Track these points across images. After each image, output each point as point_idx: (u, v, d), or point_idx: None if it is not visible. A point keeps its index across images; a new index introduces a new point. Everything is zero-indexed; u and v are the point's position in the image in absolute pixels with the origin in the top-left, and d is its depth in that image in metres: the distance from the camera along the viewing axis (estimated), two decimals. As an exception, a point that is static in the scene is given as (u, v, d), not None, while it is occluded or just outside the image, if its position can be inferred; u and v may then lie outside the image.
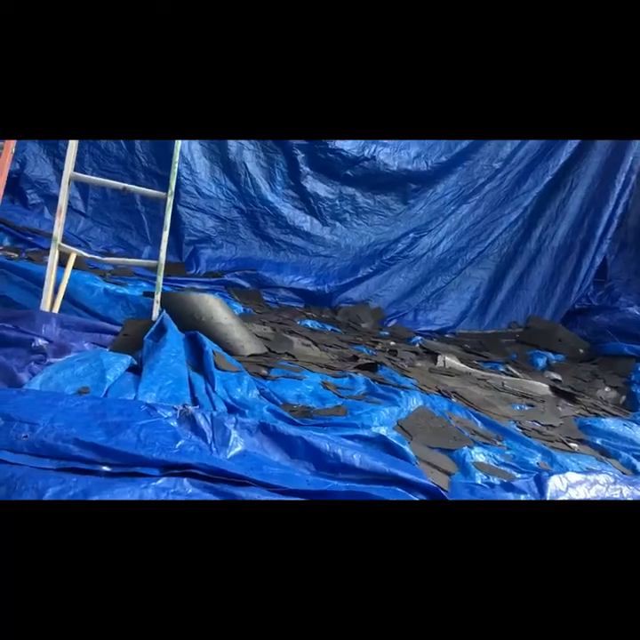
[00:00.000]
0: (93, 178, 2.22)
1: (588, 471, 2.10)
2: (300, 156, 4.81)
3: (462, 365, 3.95)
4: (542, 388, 3.83)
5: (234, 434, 1.53)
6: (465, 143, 5.29)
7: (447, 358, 3.95)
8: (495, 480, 1.94)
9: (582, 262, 5.50)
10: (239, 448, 1.50)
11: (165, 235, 2.33)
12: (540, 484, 1.91)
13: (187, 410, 1.54)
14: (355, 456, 1.57)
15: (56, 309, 2.20)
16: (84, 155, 4.28)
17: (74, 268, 2.40)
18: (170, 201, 2.33)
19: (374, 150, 5.00)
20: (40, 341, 1.98)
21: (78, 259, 2.95)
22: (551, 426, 2.99)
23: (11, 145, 2.04)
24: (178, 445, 1.36)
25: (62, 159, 3.65)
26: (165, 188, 2.25)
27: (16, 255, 2.70)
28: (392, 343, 4.22)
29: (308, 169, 4.88)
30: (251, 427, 1.57)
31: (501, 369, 4.29)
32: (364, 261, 5.10)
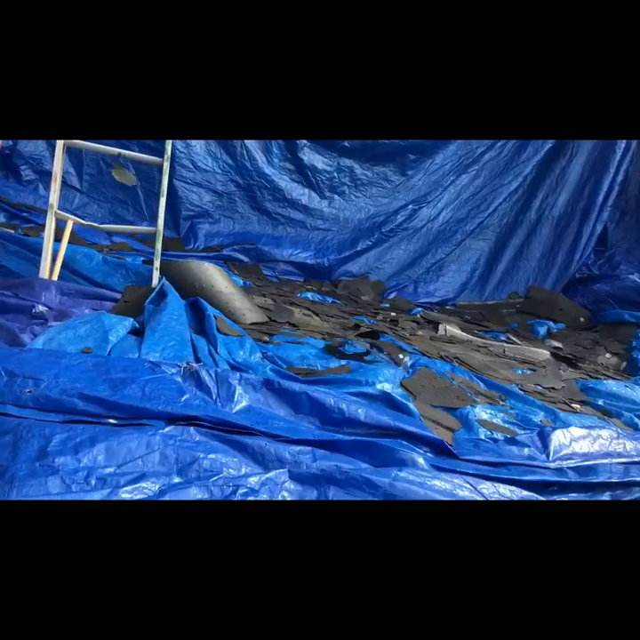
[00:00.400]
0: (88, 143, 2.18)
1: (592, 426, 2.11)
2: (297, 127, 4.73)
3: (463, 334, 3.95)
4: (543, 354, 3.83)
5: (238, 389, 1.53)
6: (463, 112, 5.21)
7: (448, 327, 3.95)
8: (499, 436, 1.95)
9: (583, 231, 5.46)
10: (244, 403, 1.49)
11: (162, 201, 2.30)
12: (544, 438, 1.92)
13: (191, 366, 1.54)
14: (359, 410, 1.57)
15: (55, 277, 2.18)
16: (77, 129, 4.22)
17: (71, 242, 2.38)
18: (166, 165, 2.30)
19: (371, 120, 4.92)
20: (40, 307, 1.97)
21: (75, 234, 2.93)
22: (553, 388, 3.00)
23: None
24: (183, 399, 1.35)
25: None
26: (160, 154, 2.23)
27: (12, 231, 2.67)
28: (393, 314, 4.21)
29: (304, 140, 4.81)
30: (255, 383, 1.57)
31: (502, 338, 4.29)
32: (364, 234, 5.07)
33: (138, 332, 1.83)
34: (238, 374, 1.57)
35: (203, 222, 4.62)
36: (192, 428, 1.20)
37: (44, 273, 2.16)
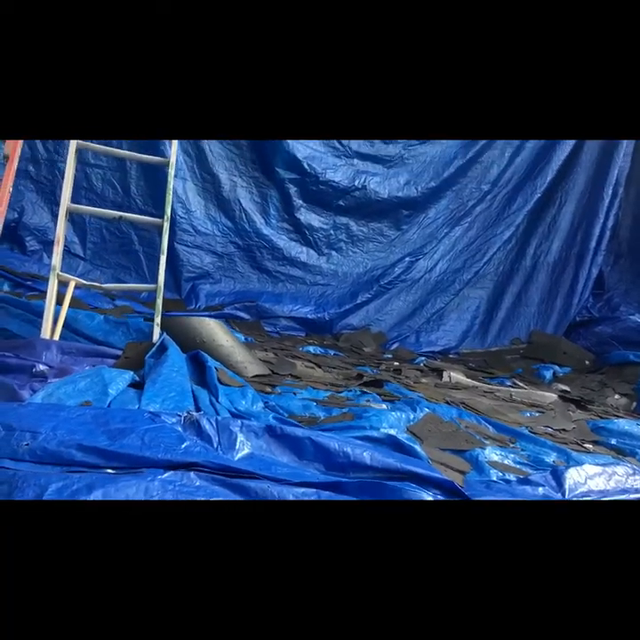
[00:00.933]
0: (90, 208, 2.27)
1: (606, 464, 2.05)
2: (293, 189, 4.92)
3: (468, 380, 3.91)
4: (551, 397, 3.78)
5: (240, 437, 1.50)
6: (452, 168, 5.42)
7: (452, 374, 3.92)
8: (511, 477, 1.89)
9: (579, 275, 5.53)
10: (246, 451, 1.46)
11: (163, 258, 2.35)
12: (558, 476, 1.86)
13: (191, 416, 1.52)
14: (365, 453, 1.53)
15: (56, 337, 2.20)
16: (80, 200, 4.37)
17: (74, 307, 2.41)
18: (166, 226, 2.37)
19: (364, 180, 5.12)
20: (41, 367, 1.96)
21: (77, 299, 2.98)
22: (564, 430, 2.94)
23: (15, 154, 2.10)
24: (183, 446, 1.33)
25: (59, 205, 3.74)
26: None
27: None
28: (396, 363, 4.20)
29: (300, 201, 4.98)
30: (257, 430, 1.54)
31: (508, 383, 4.25)
32: (363, 287, 5.13)
33: (138, 385, 1.82)
34: (240, 422, 1.55)
35: (204, 283, 4.70)
36: (192, 473, 1.17)
37: (45, 333, 2.18)
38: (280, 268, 4.96)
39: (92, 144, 2.34)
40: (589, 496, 1.77)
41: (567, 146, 5.54)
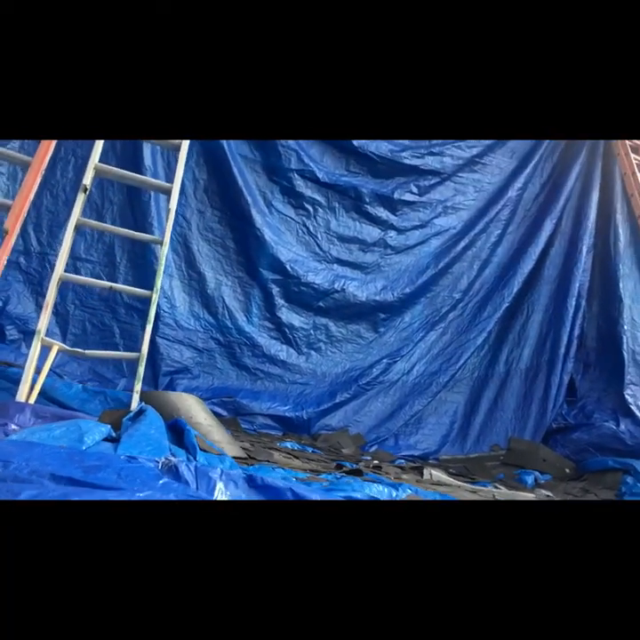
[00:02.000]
0: (82, 278, 2.36)
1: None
2: (275, 289, 5.12)
3: (450, 479, 3.82)
4: (535, 499, 3.70)
5: (219, 485, 1.44)
6: (425, 277, 5.75)
7: (433, 471, 3.83)
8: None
9: (551, 382, 5.67)
10: (225, 499, 1.40)
11: (149, 328, 2.40)
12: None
13: (169, 461, 1.47)
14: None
15: (31, 402, 2.14)
16: (67, 292, 4.48)
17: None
18: (155, 297, 2.44)
19: (343, 283, 5.38)
20: (13, 426, 1.90)
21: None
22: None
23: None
24: (160, 482, 1.27)
25: (45, 297, 3.82)
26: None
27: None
28: (375, 462, 4.09)
29: (282, 301, 5.16)
30: (236, 479, 1.49)
31: (490, 486, 4.16)
32: (341, 387, 5.15)
33: (114, 441, 1.76)
34: (219, 469, 1.49)
35: (182, 378, 4.67)
36: (171, 495, 1.11)
37: (21, 396, 2.13)
38: (259, 366, 4.99)
39: (90, 221, 2.48)
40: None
41: (530, 260, 5.97)
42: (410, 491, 2.39)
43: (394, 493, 2.23)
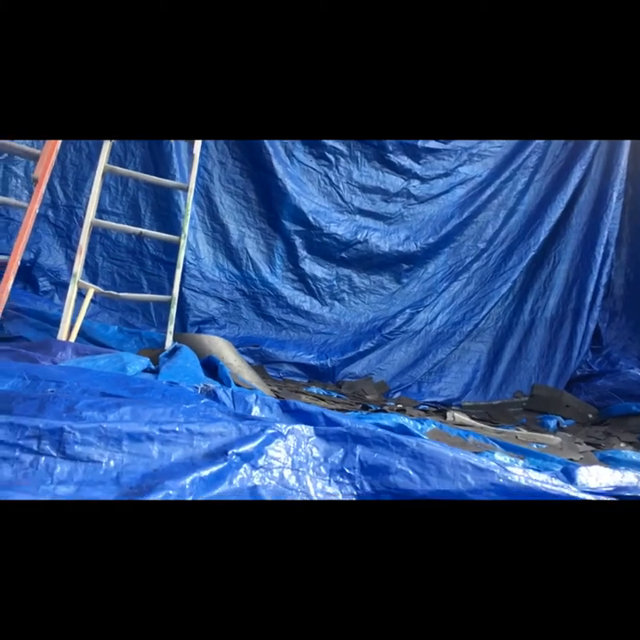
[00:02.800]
0: (112, 223, 2.41)
1: (616, 469, 2.03)
2: (298, 240, 5.13)
3: (473, 421, 3.90)
4: (556, 440, 3.76)
5: (255, 408, 1.52)
6: (449, 226, 5.68)
7: (456, 414, 3.91)
8: (523, 474, 1.88)
9: (577, 330, 5.64)
10: (261, 415, 1.48)
11: (178, 272, 2.46)
12: (569, 473, 1.85)
13: (207, 386, 1.55)
14: (378, 430, 1.54)
15: (72, 340, 2.25)
16: (95, 245, 4.56)
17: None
18: (183, 242, 2.50)
19: (366, 234, 5.35)
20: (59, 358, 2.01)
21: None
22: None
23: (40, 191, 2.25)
24: (202, 401, 1.35)
25: (74, 250, 3.90)
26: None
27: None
28: (399, 406, 4.19)
29: (305, 253, 5.18)
30: (271, 403, 1.57)
31: (513, 428, 4.22)
32: (365, 337, 5.21)
33: (154, 372, 1.86)
34: (254, 394, 1.57)
35: (209, 328, 4.78)
36: (214, 407, 1.19)
37: (61, 336, 2.23)
38: (284, 316, 5.07)
39: (118, 168, 2.51)
40: (600, 491, 1.75)
41: (558, 209, 5.84)
42: (434, 425, 2.47)
43: (419, 426, 2.31)
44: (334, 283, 5.31)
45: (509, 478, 1.05)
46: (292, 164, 5.23)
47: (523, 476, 1.11)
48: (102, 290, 2.53)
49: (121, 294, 2.61)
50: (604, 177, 5.94)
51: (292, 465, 0.96)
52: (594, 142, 5.85)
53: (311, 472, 0.98)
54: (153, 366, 1.88)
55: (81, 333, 2.35)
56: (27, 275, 4.38)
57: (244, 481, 0.90)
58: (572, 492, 1.16)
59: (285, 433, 1.02)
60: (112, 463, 0.85)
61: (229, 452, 0.93)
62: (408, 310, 5.45)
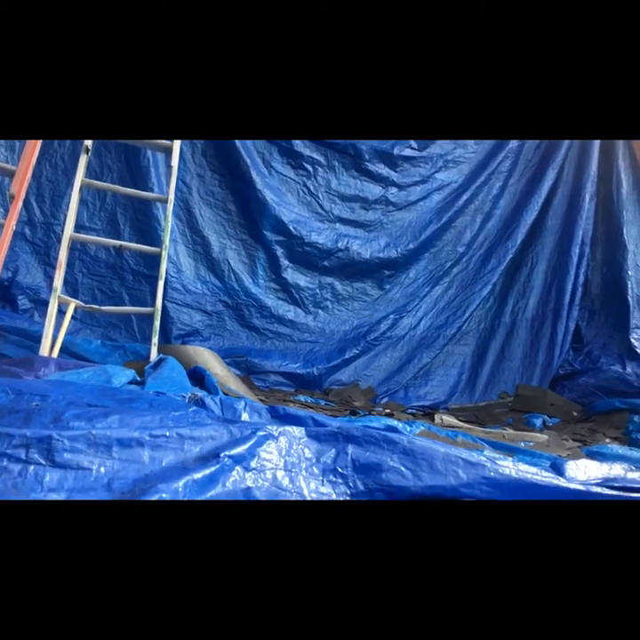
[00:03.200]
0: (91, 237, 2.39)
1: (604, 462, 2.06)
2: (279, 250, 5.14)
3: (461, 423, 3.92)
4: (543, 438, 3.80)
5: (244, 414, 1.51)
6: (428, 232, 5.75)
7: (444, 416, 3.93)
8: (512, 470, 1.89)
9: (557, 329, 5.73)
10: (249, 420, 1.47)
11: (161, 283, 2.45)
12: (557, 467, 1.87)
13: (195, 395, 1.54)
14: (369, 429, 1.55)
15: (54, 356, 2.22)
16: (74, 261, 4.51)
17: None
18: (164, 254, 2.49)
19: (347, 242, 5.39)
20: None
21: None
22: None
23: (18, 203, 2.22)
24: (191, 409, 1.34)
25: (53, 267, 3.86)
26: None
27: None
28: (387, 411, 4.20)
29: (287, 262, 5.19)
30: (260, 409, 1.56)
31: (499, 429, 4.26)
32: (350, 343, 5.23)
33: (140, 384, 1.84)
34: (243, 401, 1.57)
35: (193, 340, 4.74)
36: (204, 413, 1.18)
37: (44, 351, 2.20)
38: (268, 326, 5.06)
39: (96, 182, 2.50)
40: (589, 483, 1.77)
41: (533, 211, 5.94)
42: (423, 427, 2.48)
43: (408, 428, 2.32)
44: (317, 291, 5.32)
45: (500, 471, 1.06)
46: (270, 175, 5.26)
47: (513, 468, 1.12)
48: (83, 304, 2.50)
49: (103, 308, 2.58)
50: (577, 179, 6.08)
51: (284, 466, 0.96)
52: (565, 145, 5.99)
53: (304, 472, 0.98)
54: (138, 378, 1.86)
55: (63, 349, 2.32)
56: (5, 293, 4.32)
57: (237, 483, 0.89)
58: (562, 483, 1.17)
59: (277, 434, 1.02)
60: (102, 470, 0.84)
61: (221, 455, 0.92)
62: (391, 316, 5.48)
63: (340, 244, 5.34)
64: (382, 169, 5.61)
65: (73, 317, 4.62)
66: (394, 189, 5.72)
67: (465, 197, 5.86)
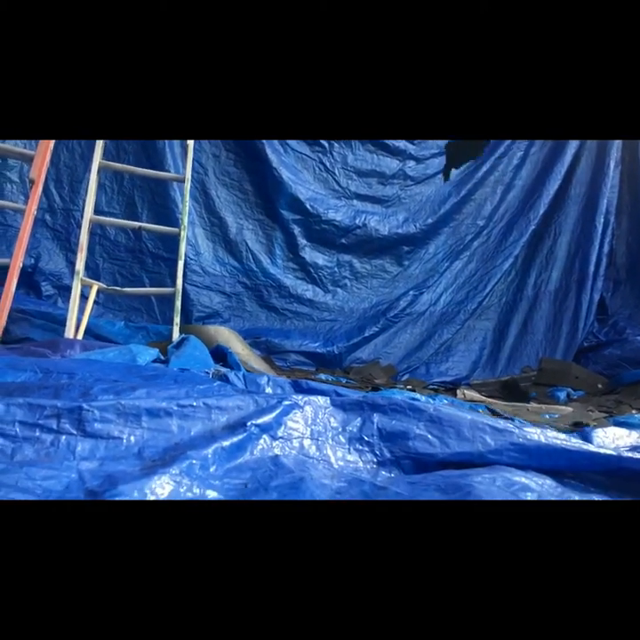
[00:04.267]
0: (111, 219, 2.40)
1: (632, 428, 2.03)
2: (297, 229, 5.11)
3: (483, 397, 3.90)
4: (568, 410, 3.75)
5: (267, 389, 1.52)
6: (447, 205, 5.65)
7: (466, 391, 3.91)
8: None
9: (581, 301, 5.62)
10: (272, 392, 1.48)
11: (180, 263, 2.45)
12: (585, 435, 1.85)
13: (218, 371, 1.55)
14: (394, 397, 1.54)
15: (79, 338, 2.25)
16: (94, 246, 4.55)
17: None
18: (183, 234, 2.49)
19: (365, 219, 5.33)
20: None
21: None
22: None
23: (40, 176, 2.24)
24: (215, 383, 1.35)
25: (74, 252, 3.90)
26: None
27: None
28: (409, 387, 4.19)
29: (304, 241, 5.16)
30: (283, 384, 1.57)
31: (523, 403, 4.23)
32: (369, 321, 5.21)
33: (164, 362, 1.86)
34: (265, 376, 1.57)
35: (213, 322, 4.77)
36: (229, 386, 1.19)
37: (68, 334, 2.23)
38: (287, 306, 5.06)
39: (113, 163, 2.50)
40: (619, 449, 1.75)
41: (556, 181, 5.80)
42: (445, 401, 2.47)
43: (431, 401, 2.31)
44: (336, 269, 5.29)
45: (529, 437, 1.05)
46: (285, 153, 5.20)
47: (541, 434, 1.10)
48: (106, 286, 2.52)
49: (125, 289, 2.61)
50: (600, 146, 5.89)
51: (311, 435, 0.96)
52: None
53: (330, 441, 0.98)
54: (162, 357, 1.88)
55: (88, 331, 2.35)
56: (29, 280, 4.38)
57: (265, 451, 0.90)
58: (592, 448, 1.16)
59: (302, 404, 1.02)
60: (133, 439, 0.85)
61: (248, 424, 0.93)
62: (411, 292, 5.43)
63: (357, 221, 5.29)
64: (399, 142, 5.51)
65: (95, 302, 4.69)
66: (411, 163, 5.62)
67: (485, 169, 5.73)
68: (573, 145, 5.74)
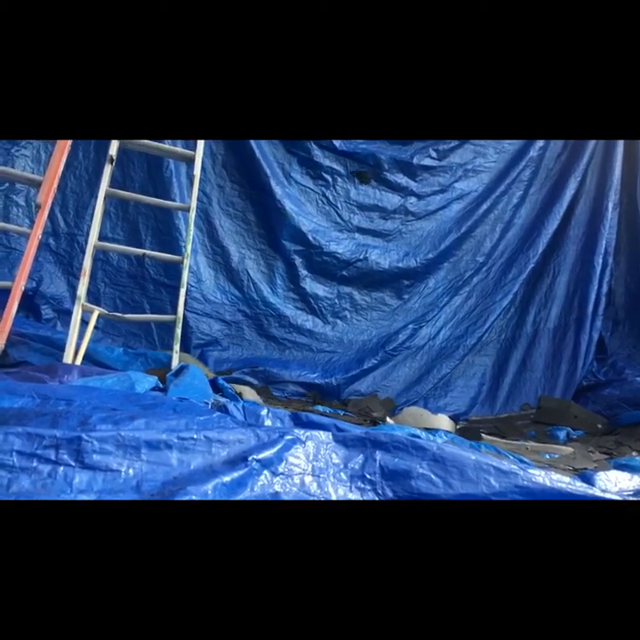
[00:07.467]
0: (115, 246, 2.41)
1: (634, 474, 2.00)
2: (298, 260, 5.15)
3: (482, 434, 3.86)
4: (568, 450, 3.71)
5: (267, 421, 1.50)
6: (448, 241, 5.71)
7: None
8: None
9: (580, 340, 5.62)
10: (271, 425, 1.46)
11: (182, 291, 2.46)
12: (587, 478, 1.82)
13: (218, 401, 1.53)
14: (397, 435, 1.52)
15: (77, 363, 2.23)
16: (96, 271, 4.57)
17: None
18: (186, 262, 2.50)
19: (366, 252, 5.38)
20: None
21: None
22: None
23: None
24: (215, 415, 1.33)
25: (76, 277, 3.91)
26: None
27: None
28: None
29: (305, 272, 5.20)
30: (283, 416, 1.54)
31: (522, 441, 4.19)
32: (368, 354, 5.19)
33: (162, 391, 1.84)
34: (265, 408, 1.56)
35: (212, 350, 4.76)
36: (228, 418, 1.17)
37: (67, 359, 2.21)
38: (287, 336, 5.05)
39: (120, 191, 2.53)
40: (622, 494, 1.72)
41: (554, 220, 5.87)
42: (446, 437, 2.44)
43: (431, 437, 2.28)
44: (336, 301, 5.31)
45: (534, 480, 1.03)
46: (289, 185, 5.28)
47: (546, 477, 1.08)
48: (107, 311, 2.52)
49: (126, 316, 2.61)
50: (599, 188, 5.99)
51: (312, 471, 0.94)
52: (587, 154, 5.92)
53: (332, 478, 0.95)
54: (161, 385, 1.87)
55: (86, 356, 2.34)
56: (29, 303, 4.38)
57: (266, 487, 0.88)
58: (597, 493, 1.13)
59: (304, 439, 1.00)
60: (131, 472, 0.83)
61: (249, 459, 0.90)
62: (411, 326, 5.44)
63: (358, 254, 5.33)
64: (401, 179, 5.60)
65: (95, 327, 4.68)
66: (413, 199, 5.70)
67: (485, 207, 5.81)
68: (572, 186, 5.84)
